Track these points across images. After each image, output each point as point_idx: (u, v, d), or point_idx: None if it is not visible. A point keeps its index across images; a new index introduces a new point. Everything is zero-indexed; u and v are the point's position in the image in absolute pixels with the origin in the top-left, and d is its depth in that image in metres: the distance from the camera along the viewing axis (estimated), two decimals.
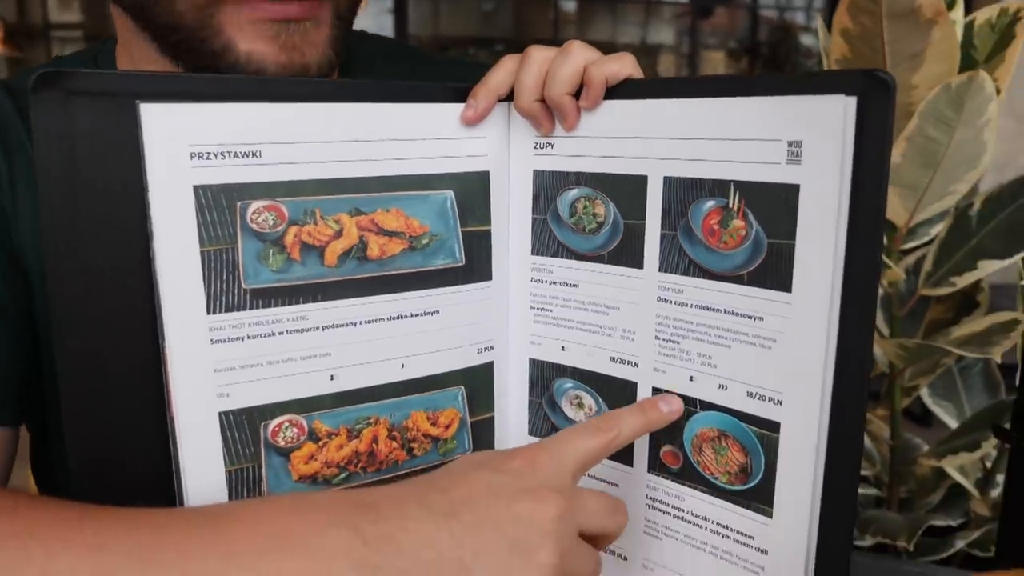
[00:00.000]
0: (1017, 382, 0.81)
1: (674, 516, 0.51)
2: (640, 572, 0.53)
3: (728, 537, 0.49)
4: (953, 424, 1.13)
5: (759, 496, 0.47)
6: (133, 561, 0.37)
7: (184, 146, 0.44)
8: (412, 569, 0.38)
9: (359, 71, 0.67)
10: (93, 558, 0.37)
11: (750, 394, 0.47)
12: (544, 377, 0.56)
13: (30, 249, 0.56)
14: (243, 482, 0.47)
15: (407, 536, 0.39)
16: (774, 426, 0.46)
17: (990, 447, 1.03)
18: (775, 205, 0.44)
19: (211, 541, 0.38)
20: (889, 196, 0.92)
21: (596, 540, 0.44)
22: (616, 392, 0.53)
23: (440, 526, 0.39)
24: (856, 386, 0.44)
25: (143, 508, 0.40)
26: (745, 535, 0.48)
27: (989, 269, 0.96)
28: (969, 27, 0.94)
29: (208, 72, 0.52)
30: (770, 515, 0.47)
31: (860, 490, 1.17)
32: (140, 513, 0.39)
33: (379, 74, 0.68)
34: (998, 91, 0.88)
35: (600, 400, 0.54)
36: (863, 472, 1.16)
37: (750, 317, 0.46)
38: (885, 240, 0.99)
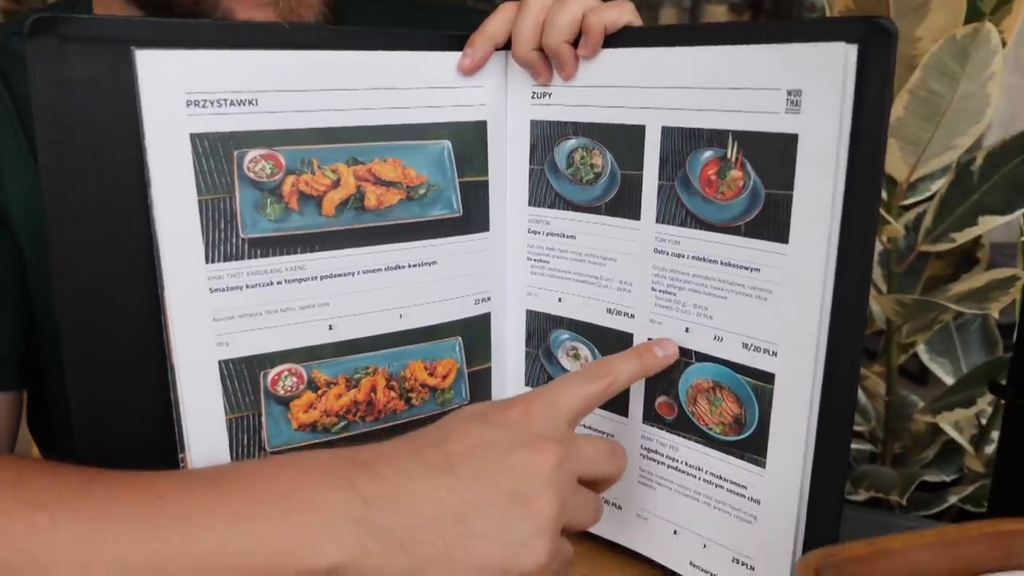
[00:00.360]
0: (1015, 339, 0.82)
1: (668, 466, 0.52)
2: (635, 522, 0.54)
3: (721, 487, 0.50)
4: (950, 381, 1.13)
5: (753, 447, 0.48)
6: (136, 527, 0.38)
7: (180, 93, 0.44)
8: (411, 527, 0.38)
9: (353, 17, 0.66)
10: (97, 525, 0.37)
11: (745, 345, 0.47)
12: (541, 328, 0.56)
13: (16, 207, 0.55)
14: (243, 430, 0.48)
15: (404, 494, 0.39)
16: (769, 377, 0.46)
17: (985, 403, 1.04)
18: (773, 155, 0.44)
19: (212, 505, 0.38)
20: (890, 150, 0.91)
21: (596, 484, 0.44)
22: (612, 343, 0.53)
23: (438, 482, 0.39)
24: (851, 338, 0.44)
25: (146, 472, 0.40)
26: (738, 485, 0.49)
27: (989, 225, 0.96)
28: None
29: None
30: (763, 465, 0.48)
31: (855, 445, 1.18)
32: (143, 478, 0.40)
33: (373, 20, 0.67)
34: (1004, 43, 0.87)
35: (596, 351, 0.54)
36: (858, 428, 1.17)
37: (747, 268, 0.46)
38: (885, 195, 0.99)
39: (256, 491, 0.39)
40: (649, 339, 0.51)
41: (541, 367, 0.57)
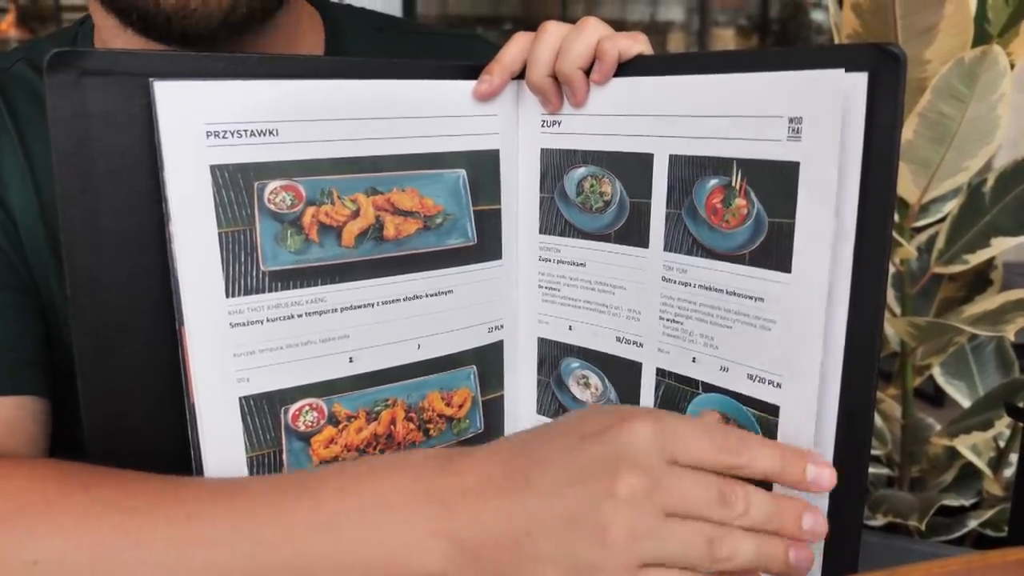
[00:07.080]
0: None
1: None
2: None
3: None
4: (966, 403, 1.12)
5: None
6: (230, 531, 0.39)
7: (199, 124, 0.44)
8: (487, 541, 0.38)
9: (351, 46, 0.65)
10: (190, 528, 0.39)
11: (750, 376, 0.47)
12: (552, 356, 0.56)
13: (22, 222, 0.54)
14: (264, 467, 0.47)
15: (486, 505, 0.39)
16: (773, 409, 0.46)
17: (1003, 426, 1.03)
18: (776, 183, 0.44)
19: (307, 512, 0.39)
20: (901, 173, 0.91)
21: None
22: (621, 372, 0.53)
23: (514, 497, 0.38)
24: (866, 363, 0.43)
25: (230, 479, 0.42)
26: None
27: (1002, 246, 0.96)
28: (983, 0, 0.93)
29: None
30: None
31: (871, 470, 1.17)
32: (230, 483, 0.41)
33: (372, 50, 0.67)
34: (1012, 65, 0.87)
35: (606, 380, 0.54)
36: (875, 452, 1.16)
37: (751, 298, 0.46)
38: (897, 218, 0.99)
39: (350, 499, 0.39)
40: (658, 372, 0.51)
41: (552, 395, 0.57)
